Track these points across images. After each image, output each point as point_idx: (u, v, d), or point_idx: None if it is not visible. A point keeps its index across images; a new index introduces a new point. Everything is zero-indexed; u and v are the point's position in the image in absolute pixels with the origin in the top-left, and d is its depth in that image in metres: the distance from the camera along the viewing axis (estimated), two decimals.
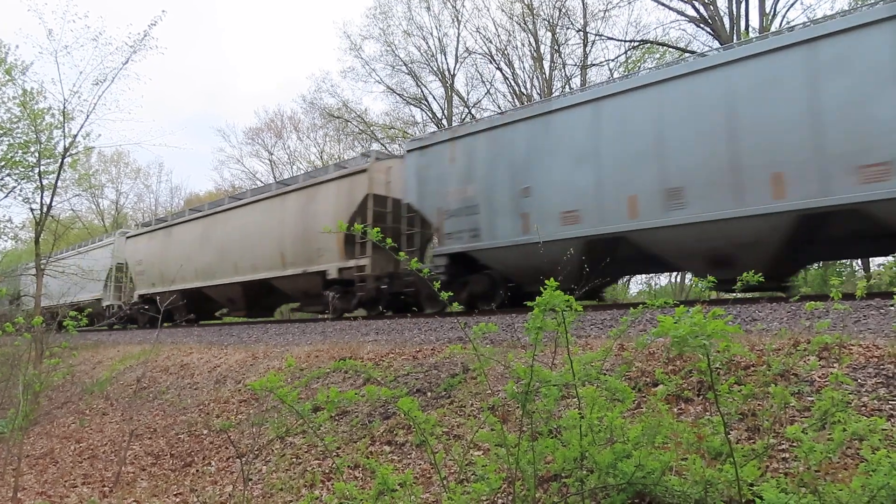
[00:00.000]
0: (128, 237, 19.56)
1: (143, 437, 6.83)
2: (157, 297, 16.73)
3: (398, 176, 11.48)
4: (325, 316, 11.88)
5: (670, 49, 21.69)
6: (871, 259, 16.28)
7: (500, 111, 18.29)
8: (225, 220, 15.27)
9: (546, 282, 2.57)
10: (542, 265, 7.87)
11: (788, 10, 27.53)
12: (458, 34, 27.66)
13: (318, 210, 12.33)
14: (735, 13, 19.65)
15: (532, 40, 24.81)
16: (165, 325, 16.77)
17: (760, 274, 3.38)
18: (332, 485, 4.18)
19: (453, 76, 27.92)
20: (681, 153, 7.48)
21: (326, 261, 12.02)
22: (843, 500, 2.22)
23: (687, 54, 19.35)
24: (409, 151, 10.90)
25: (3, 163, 14.05)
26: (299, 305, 14.79)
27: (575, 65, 24.42)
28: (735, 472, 2.37)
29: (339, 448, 4.76)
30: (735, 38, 18.40)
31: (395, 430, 4.69)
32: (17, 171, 14.30)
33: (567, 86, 24.43)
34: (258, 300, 15.23)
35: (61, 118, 13.51)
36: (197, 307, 16.64)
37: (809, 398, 3.32)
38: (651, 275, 25.44)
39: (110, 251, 20.13)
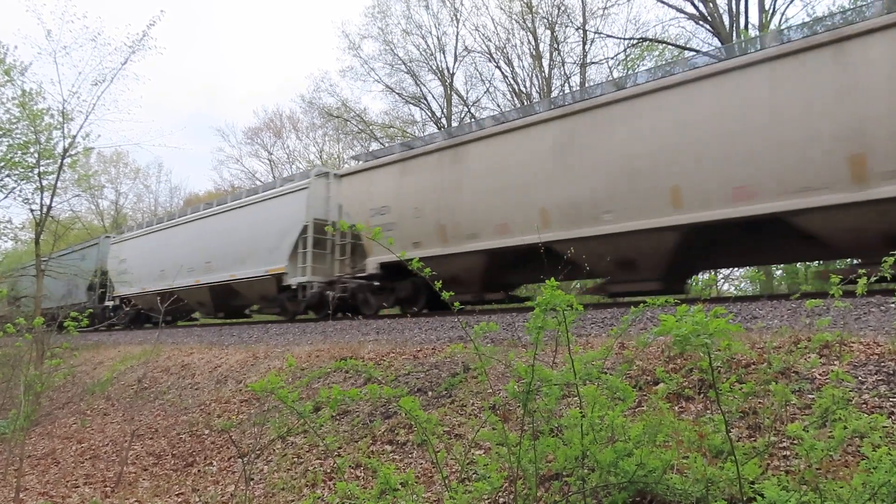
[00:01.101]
0: (341, 175, 12.54)
1: (145, 438, 6.84)
2: (425, 266, 8.35)
3: None
4: None
5: (669, 47, 21.68)
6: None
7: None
8: (717, 95, 7.30)
9: (546, 281, 2.57)
10: None
11: (788, 6, 27.60)
12: (457, 33, 27.76)
13: None
14: (735, 10, 19.65)
15: (531, 38, 24.84)
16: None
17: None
18: (334, 484, 4.19)
19: (452, 75, 27.98)
20: None
21: None
22: (845, 498, 2.22)
23: (686, 51, 19.31)
24: None
25: (2, 163, 14.06)
26: None
27: (574, 63, 24.46)
28: (736, 470, 2.38)
29: (340, 448, 4.76)
30: (734, 35, 18.38)
31: (396, 430, 4.69)
32: (17, 172, 14.30)
33: (566, 84, 24.44)
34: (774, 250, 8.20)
35: (60, 119, 13.53)
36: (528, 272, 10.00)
37: (810, 396, 3.33)
38: None
39: (302, 201, 12.67)
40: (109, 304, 18.97)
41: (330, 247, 12.62)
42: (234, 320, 16.27)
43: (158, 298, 16.98)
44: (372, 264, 11.21)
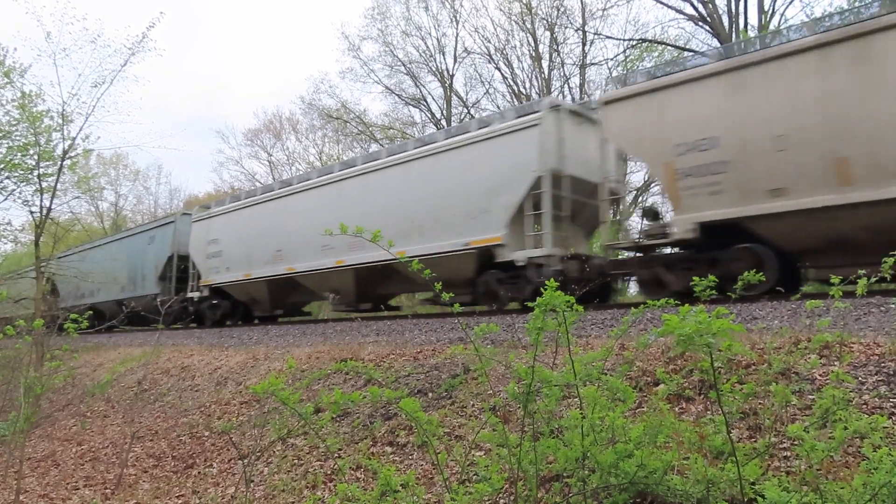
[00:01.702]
0: (609, 101, 8.51)
1: (145, 439, 6.84)
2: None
3: None
4: None
5: (669, 47, 21.70)
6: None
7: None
8: None
9: (547, 283, 2.57)
10: None
11: (787, 7, 27.63)
12: (457, 34, 27.77)
13: None
14: (734, 11, 19.67)
15: (531, 40, 24.85)
16: None
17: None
18: (335, 486, 4.19)
19: (452, 76, 27.98)
20: None
21: None
22: (845, 499, 2.22)
23: (686, 52, 19.35)
24: None
25: (2, 165, 14.04)
26: None
27: (574, 64, 24.47)
28: (737, 470, 2.38)
29: (340, 449, 4.76)
30: (734, 36, 18.40)
31: (396, 431, 4.69)
32: (17, 174, 14.27)
33: (566, 86, 24.48)
34: None
35: (60, 120, 13.50)
36: None
37: (810, 396, 3.33)
38: None
39: (532, 143, 8.88)
40: (194, 295, 15.28)
41: (570, 208, 8.94)
42: (388, 313, 11.50)
43: (267, 287, 13.00)
44: (684, 224, 7.55)
